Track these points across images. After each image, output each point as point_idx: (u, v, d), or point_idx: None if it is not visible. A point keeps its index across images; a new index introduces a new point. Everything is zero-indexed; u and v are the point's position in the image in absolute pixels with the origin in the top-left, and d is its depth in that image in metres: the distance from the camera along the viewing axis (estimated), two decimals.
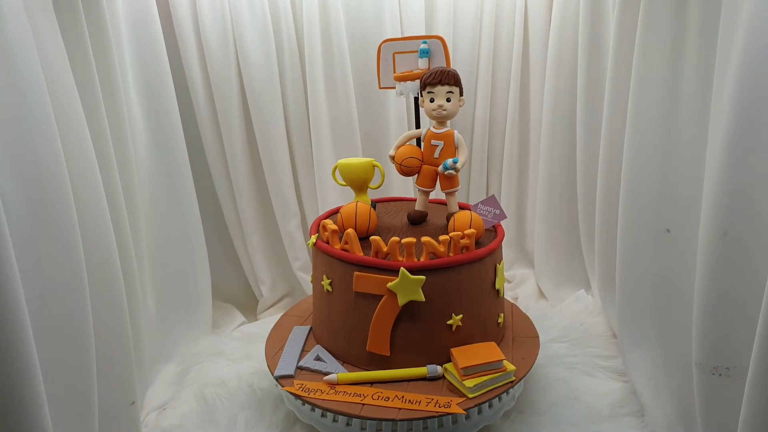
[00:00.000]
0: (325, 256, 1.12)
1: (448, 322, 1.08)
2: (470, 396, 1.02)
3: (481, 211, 1.20)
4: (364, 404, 1.01)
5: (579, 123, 1.41)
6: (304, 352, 1.17)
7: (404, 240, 1.04)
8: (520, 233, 1.74)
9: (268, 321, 1.59)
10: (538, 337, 1.21)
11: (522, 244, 1.74)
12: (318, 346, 1.18)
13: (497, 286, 1.14)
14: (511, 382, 1.06)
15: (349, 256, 1.07)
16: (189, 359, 1.39)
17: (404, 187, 1.62)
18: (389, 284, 1.04)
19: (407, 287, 1.03)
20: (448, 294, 1.07)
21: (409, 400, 1.01)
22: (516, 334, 1.22)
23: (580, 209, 1.50)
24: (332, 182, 1.57)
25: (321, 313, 1.17)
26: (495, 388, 1.04)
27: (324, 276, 1.13)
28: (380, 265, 1.05)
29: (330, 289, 1.12)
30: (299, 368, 1.11)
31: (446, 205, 1.24)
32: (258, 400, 1.22)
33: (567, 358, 1.28)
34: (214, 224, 1.67)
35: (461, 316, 1.08)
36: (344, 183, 1.26)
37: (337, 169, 1.25)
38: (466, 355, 1.06)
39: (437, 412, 0.98)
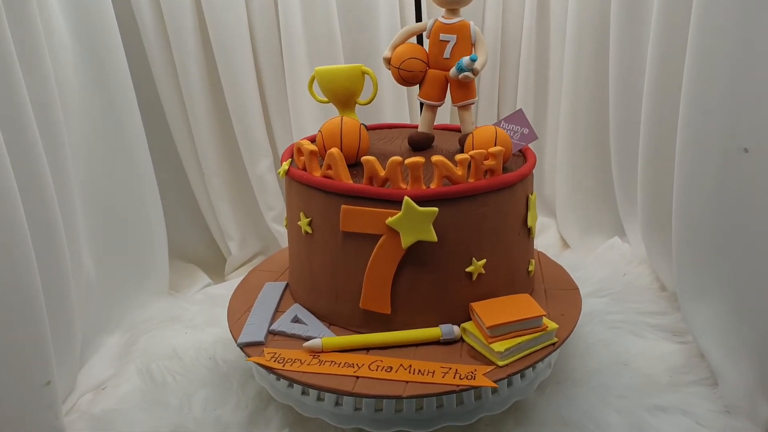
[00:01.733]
0: (301, 187, 0.85)
1: (467, 270, 0.82)
2: (500, 363, 0.76)
3: (505, 130, 0.93)
4: (358, 377, 0.75)
5: (615, 20, 1.13)
6: (278, 313, 0.90)
7: (408, 160, 0.77)
8: (536, 174, 1.47)
9: (237, 282, 1.32)
10: (577, 289, 0.95)
11: (539, 187, 1.48)
12: (296, 305, 0.91)
13: (529, 224, 0.88)
14: (553, 344, 0.81)
15: (333, 185, 0.80)
16: (137, 328, 1.12)
17: (399, 108, 1.34)
18: (389, 220, 0.77)
19: (413, 224, 0.77)
20: (467, 232, 0.81)
21: (419, 371, 0.76)
22: (549, 287, 0.96)
23: (613, 138, 1.24)
24: (310, 112, 1.29)
25: (299, 263, 0.91)
26: (532, 352, 0.79)
27: (301, 214, 0.86)
28: (376, 194, 0.78)
29: (309, 230, 0.85)
30: (272, 333, 0.85)
31: (459, 130, 0.97)
32: (222, 375, 0.96)
33: (608, 316, 1.04)
34: (169, 169, 1.39)
35: (484, 261, 0.82)
36: (325, 99, 0.98)
37: (315, 80, 0.97)
38: (492, 311, 0.80)
39: (458, 386, 0.73)
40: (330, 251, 0.84)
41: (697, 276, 0.96)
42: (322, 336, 0.82)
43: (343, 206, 0.80)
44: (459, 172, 0.79)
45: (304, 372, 0.76)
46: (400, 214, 0.77)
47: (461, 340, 0.82)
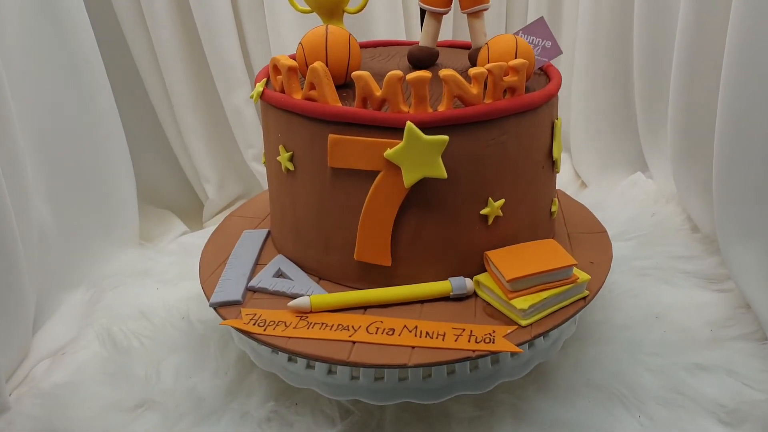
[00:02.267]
0: (279, 114, 0.70)
1: (482, 212, 0.68)
2: (523, 323, 0.64)
3: None
4: (354, 342, 0.63)
5: None
6: (258, 266, 0.77)
7: (411, 75, 0.62)
8: None
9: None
10: (605, 231, 0.82)
11: None
12: (279, 256, 0.78)
13: (555, 155, 0.74)
14: (583, 298, 0.68)
15: (317, 109, 0.65)
16: (101, 283, 0.99)
17: (394, 22, 1.17)
18: (388, 152, 0.63)
19: (418, 156, 0.63)
20: (483, 166, 0.66)
21: (427, 333, 0.63)
22: (573, 230, 0.83)
23: (638, 59, 1.09)
24: (291, 30, 1.12)
25: (281, 207, 0.77)
26: (560, 309, 0.66)
27: (280, 148, 0.71)
28: (371, 120, 0.64)
29: (291, 167, 0.71)
30: (251, 290, 0.72)
31: (468, 46, 0.81)
32: (197, 338, 0.84)
33: (635, 262, 0.91)
34: (134, 104, 1.22)
35: (502, 202, 0.68)
36: (307, 8, 0.82)
37: None
38: (512, 260, 0.67)
39: (474, 351, 0.61)
40: (316, 192, 0.70)
41: (741, 215, 0.83)
42: (311, 293, 0.69)
43: (330, 136, 0.65)
44: (474, 90, 0.64)
45: (289, 337, 0.64)
46: (401, 144, 0.62)
47: (475, 295, 0.69)
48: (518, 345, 0.62)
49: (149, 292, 0.95)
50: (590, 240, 0.81)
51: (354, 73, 0.63)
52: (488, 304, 0.68)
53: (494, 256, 0.68)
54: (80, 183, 1.04)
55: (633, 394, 0.73)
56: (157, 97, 1.21)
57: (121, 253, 1.06)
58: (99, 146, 1.06)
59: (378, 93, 0.63)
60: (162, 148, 1.28)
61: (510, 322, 0.65)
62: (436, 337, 0.62)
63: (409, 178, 0.63)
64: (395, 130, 0.63)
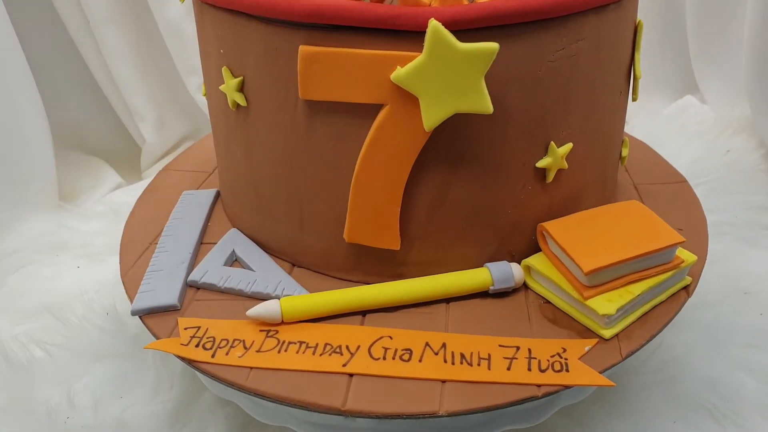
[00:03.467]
0: (220, 15, 0.44)
1: (540, 164, 0.45)
2: (607, 334, 0.42)
3: None
4: (351, 375, 0.40)
5: None
6: (202, 246, 0.53)
7: None
8: None
9: None
10: (685, 181, 0.60)
11: None
12: (233, 232, 0.54)
13: (637, 73, 0.51)
14: (685, 289, 0.46)
15: (280, 2, 0.40)
16: (1, 262, 0.74)
17: None
18: (397, 73, 0.38)
19: (447, 77, 0.38)
20: (545, 92, 0.43)
21: (463, 356, 0.41)
22: (639, 178, 0.61)
23: None
24: None
25: (231, 160, 0.52)
26: (655, 306, 0.45)
27: (224, 71, 0.46)
28: (370, 18, 0.39)
29: (241, 101, 0.46)
30: (193, 286, 0.49)
31: None
32: (129, 342, 0.61)
33: (708, 216, 0.69)
34: (41, 23, 0.93)
35: (569, 147, 0.45)
36: None
37: None
38: (583, 237, 0.45)
39: (542, 387, 0.39)
40: (281, 139, 0.45)
41: None
42: (281, 292, 0.46)
43: (301, 48, 0.40)
44: None
45: (252, 368, 0.41)
46: (420, 59, 0.38)
47: (524, 287, 0.47)
48: (605, 371, 0.40)
49: (65, 274, 0.72)
50: (667, 194, 0.58)
51: None
52: (546, 301, 0.46)
53: (557, 230, 0.45)
54: None
55: (728, 405, 0.53)
56: (68, 12, 0.91)
57: (29, 219, 0.81)
58: None
59: None
60: (83, 79, 1.00)
61: (584, 331, 0.43)
62: (478, 363, 0.40)
63: (431, 116, 0.39)
64: (410, 36, 0.38)
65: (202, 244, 0.54)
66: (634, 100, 0.52)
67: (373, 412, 0.38)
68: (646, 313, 0.44)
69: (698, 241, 0.51)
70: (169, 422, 0.54)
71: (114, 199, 0.89)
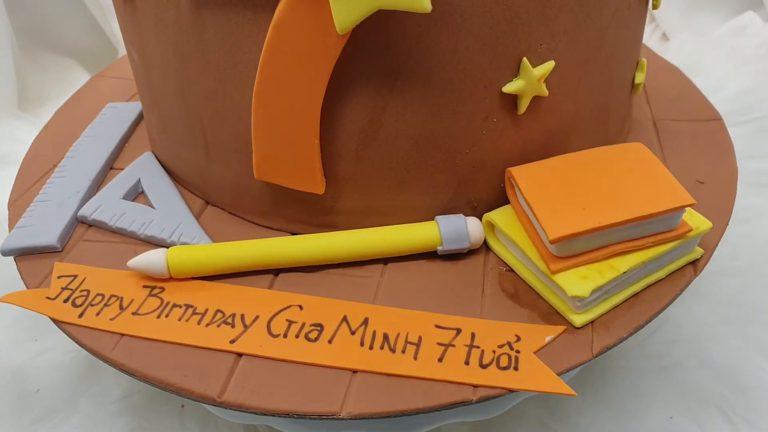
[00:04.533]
0: None
1: (506, 89, 0.33)
2: (578, 321, 0.32)
3: None
4: (240, 354, 0.32)
5: None
6: (111, 172, 0.45)
7: None
8: None
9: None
10: (719, 119, 0.47)
11: None
12: (147, 156, 0.45)
13: None
14: (693, 264, 0.35)
15: None
16: None
17: None
18: None
19: None
20: None
21: (386, 338, 0.32)
22: (661, 114, 0.48)
23: None
24: None
25: (132, 64, 0.42)
26: (650, 285, 0.34)
27: None
28: None
29: None
30: (83, 223, 0.40)
31: None
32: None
33: (751, 163, 0.57)
34: None
35: (551, 65, 0.33)
36: None
37: None
38: (558, 190, 0.34)
39: (478, 387, 0.30)
40: (170, 41, 0.35)
41: None
42: (179, 240, 0.37)
43: None
44: None
45: (122, 335, 0.33)
46: None
47: (485, 248, 0.37)
48: (566, 371, 0.30)
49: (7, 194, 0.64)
50: (694, 134, 0.46)
51: None
52: (509, 269, 0.36)
53: (525, 179, 0.34)
54: None
55: (740, 398, 0.44)
56: None
57: None
58: None
59: None
60: None
61: (550, 313, 0.33)
62: (402, 350, 0.31)
63: (344, 13, 0.28)
64: None
65: (111, 169, 0.45)
66: (654, 7, 0.39)
67: (254, 407, 0.30)
68: (635, 295, 0.34)
69: (722, 199, 0.39)
70: (78, 376, 0.47)
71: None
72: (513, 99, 0.34)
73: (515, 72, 0.33)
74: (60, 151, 0.47)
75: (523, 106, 0.34)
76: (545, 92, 0.34)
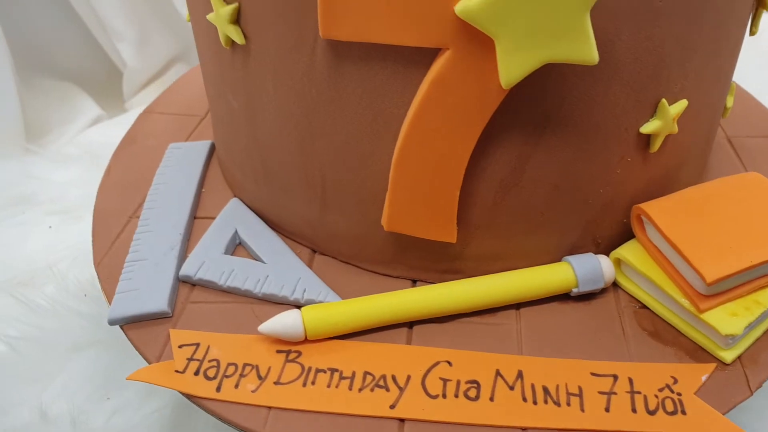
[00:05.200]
0: None
1: (644, 130, 0.33)
2: (729, 358, 0.32)
3: None
4: (403, 420, 0.31)
5: None
6: (195, 221, 0.42)
7: None
8: None
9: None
10: None
11: None
12: (234, 203, 0.43)
13: (757, 21, 0.38)
14: None
15: None
16: None
17: None
18: (463, 6, 0.26)
19: (535, 12, 0.26)
20: (661, 32, 0.30)
21: (546, 391, 0.31)
22: (734, 131, 0.49)
23: None
24: None
25: (227, 111, 0.40)
26: None
27: None
28: None
29: (238, 37, 0.33)
30: (186, 282, 0.38)
31: None
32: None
33: None
34: None
35: (684, 104, 0.33)
36: None
37: None
38: (697, 228, 0.34)
39: None
40: (295, 92, 0.33)
41: None
42: (303, 296, 0.36)
43: None
44: None
45: (270, 408, 0.31)
46: None
47: (613, 285, 0.37)
48: (728, 411, 0.31)
49: (33, 236, 0.61)
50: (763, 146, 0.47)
51: None
52: (642, 305, 0.36)
53: (662, 218, 0.34)
54: None
55: None
56: None
57: None
58: None
59: None
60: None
61: (694, 349, 0.33)
62: (567, 402, 0.31)
63: (512, 67, 0.27)
64: None
65: (196, 218, 0.43)
66: (752, 34, 0.40)
67: None
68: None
69: None
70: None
71: (91, 138, 0.77)
72: (646, 138, 0.34)
73: (653, 112, 0.33)
74: (130, 201, 0.45)
75: (657, 144, 0.34)
76: (676, 130, 0.34)
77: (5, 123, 0.74)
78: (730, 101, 0.43)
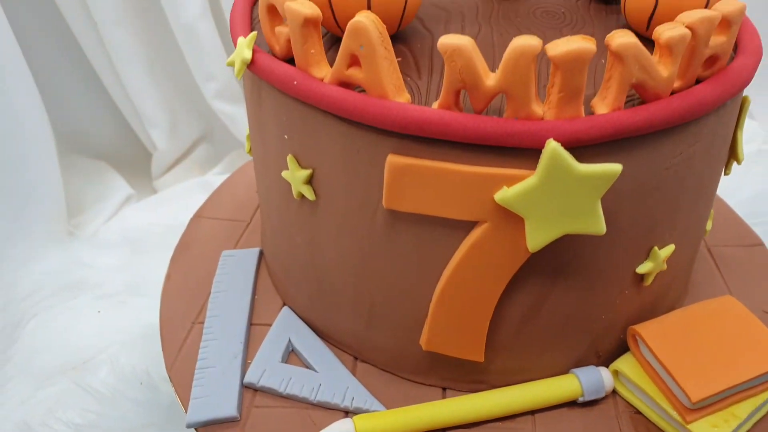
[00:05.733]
0: (287, 102, 0.38)
1: (640, 270, 0.40)
2: None
3: None
4: None
5: None
6: (252, 328, 0.49)
7: (558, 49, 0.30)
8: None
9: (170, 197, 0.88)
10: (761, 243, 0.56)
11: None
12: (286, 312, 0.49)
13: (739, 154, 0.46)
14: None
15: (369, 108, 0.34)
16: (17, 307, 0.69)
17: None
18: (502, 194, 0.33)
19: (561, 199, 0.33)
20: (654, 200, 0.38)
21: None
22: (714, 240, 0.57)
23: None
24: None
25: (289, 242, 0.47)
26: (757, 422, 0.42)
27: (290, 159, 0.40)
28: (473, 133, 0.33)
29: (309, 195, 0.40)
30: (249, 388, 0.44)
31: None
32: (166, 410, 0.57)
33: None
34: (45, 25, 0.85)
35: (672, 249, 0.41)
36: None
37: None
38: (683, 349, 0.41)
39: None
40: (356, 241, 0.40)
41: None
42: (351, 404, 0.42)
43: (390, 158, 0.35)
44: (664, 71, 0.33)
45: None
46: (531, 180, 0.33)
47: (614, 393, 0.44)
48: None
49: (84, 321, 0.66)
50: (743, 260, 0.55)
51: (444, 39, 0.31)
52: (637, 411, 0.43)
53: (654, 340, 0.41)
54: None
55: None
56: (72, 13, 0.83)
57: (40, 250, 0.75)
58: None
59: (490, 81, 0.32)
60: (89, 84, 0.92)
61: None
62: None
63: (537, 238, 0.35)
64: (521, 153, 0.33)
65: (252, 325, 0.49)
66: (725, 174, 0.48)
67: None
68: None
69: None
70: None
71: (126, 221, 0.83)
72: (641, 276, 0.41)
73: (646, 257, 0.40)
74: (193, 307, 0.51)
75: (650, 280, 0.41)
76: (666, 267, 0.41)
77: (50, 204, 0.80)
78: (709, 225, 0.51)
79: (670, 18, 0.35)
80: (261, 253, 0.55)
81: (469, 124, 0.33)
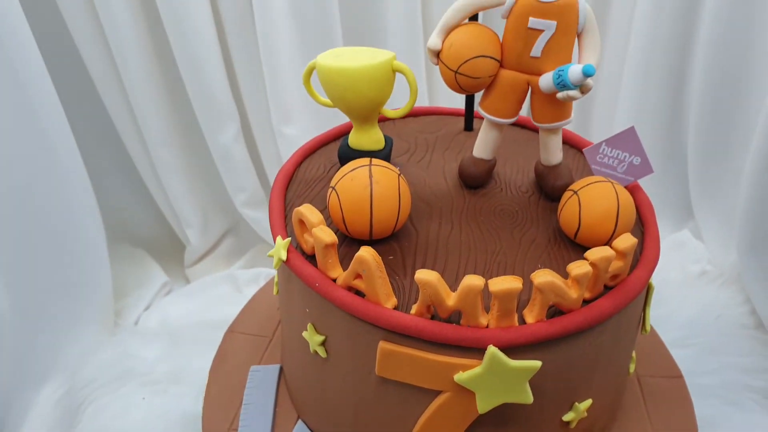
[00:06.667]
0: (311, 294, 0.53)
1: (565, 419, 0.55)
2: None
3: (605, 159, 0.62)
4: None
5: None
6: (276, 428, 0.63)
7: (497, 287, 0.45)
8: (582, 125, 1.15)
9: (201, 289, 1.03)
10: (681, 376, 0.70)
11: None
12: (300, 425, 0.64)
13: (647, 325, 0.60)
14: None
15: (367, 311, 0.49)
16: (79, 390, 0.83)
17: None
18: (460, 376, 0.48)
19: (499, 382, 0.48)
20: (572, 373, 0.52)
21: None
22: (644, 371, 0.71)
23: (695, 119, 0.94)
24: (292, 58, 0.92)
25: (302, 374, 0.62)
26: None
27: (310, 327, 0.55)
28: (440, 337, 0.48)
29: (322, 353, 0.55)
30: None
31: (527, 126, 0.65)
32: None
33: (701, 379, 0.80)
34: (105, 142, 1.02)
35: (589, 402, 0.55)
36: (329, 102, 0.63)
37: (314, 72, 0.61)
38: None
39: None
40: (355, 390, 0.55)
41: None
42: None
43: (381, 344, 0.49)
44: (574, 294, 0.48)
45: None
46: (478, 369, 0.47)
47: None
48: None
49: (131, 409, 0.80)
50: (666, 391, 0.68)
51: (421, 276, 0.46)
52: None
53: None
54: (40, 255, 0.85)
55: None
56: (128, 134, 0.99)
57: (91, 342, 0.89)
58: (57, 206, 0.86)
59: (450, 302, 0.47)
60: (139, 193, 1.08)
61: None
62: None
63: (484, 404, 0.49)
64: (470, 350, 0.48)
65: (274, 425, 0.63)
66: (643, 333, 0.62)
67: None
68: None
69: None
70: None
71: (166, 313, 0.97)
72: (567, 423, 0.55)
73: (570, 408, 0.54)
74: (227, 415, 0.65)
75: (574, 424, 0.55)
76: (586, 415, 0.55)
77: (100, 291, 0.93)
78: (632, 368, 0.65)
79: (590, 234, 0.51)
80: (281, 370, 0.70)
81: (435, 329, 0.47)
